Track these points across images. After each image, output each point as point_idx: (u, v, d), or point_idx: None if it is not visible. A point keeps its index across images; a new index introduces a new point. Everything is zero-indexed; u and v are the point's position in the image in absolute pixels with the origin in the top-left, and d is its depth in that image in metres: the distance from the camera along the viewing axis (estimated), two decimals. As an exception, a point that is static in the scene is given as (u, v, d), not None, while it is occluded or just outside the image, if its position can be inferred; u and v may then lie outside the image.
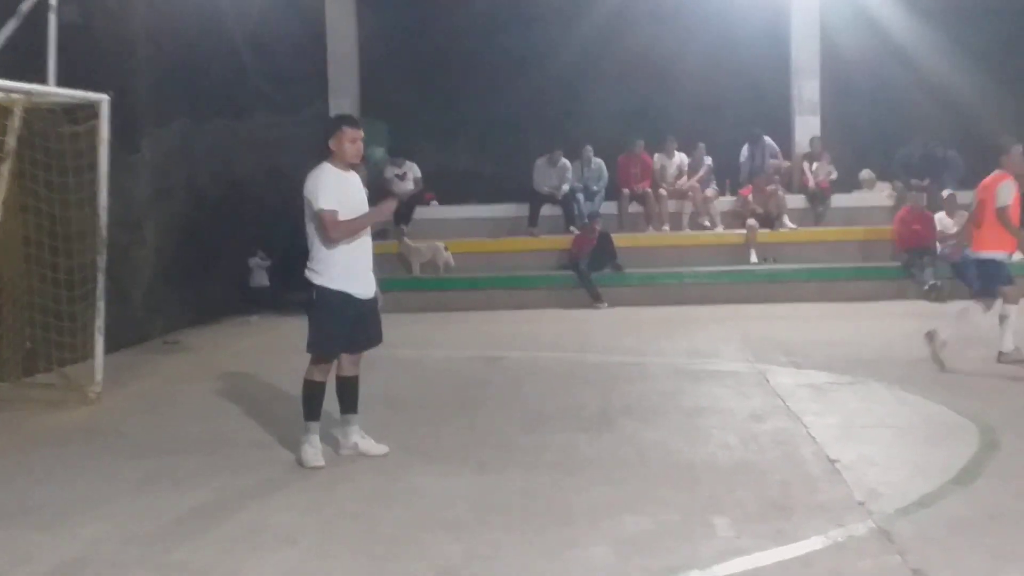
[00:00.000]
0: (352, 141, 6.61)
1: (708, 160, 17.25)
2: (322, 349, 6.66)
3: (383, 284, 15.75)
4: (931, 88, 17.43)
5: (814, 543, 4.87)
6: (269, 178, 16.73)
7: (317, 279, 6.58)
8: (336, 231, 6.46)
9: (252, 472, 6.49)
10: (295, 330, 13.75)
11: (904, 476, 6.00)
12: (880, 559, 4.63)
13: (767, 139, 17.54)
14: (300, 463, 6.61)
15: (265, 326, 14.40)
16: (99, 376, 9.07)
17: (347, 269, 6.63)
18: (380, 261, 15.96)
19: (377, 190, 6.80)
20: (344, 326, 6.64)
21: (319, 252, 6.57)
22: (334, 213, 6.46)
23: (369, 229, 6.73)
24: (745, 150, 17.56)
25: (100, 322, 9.13)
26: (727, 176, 17.61)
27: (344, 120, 6.82)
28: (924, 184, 16.26)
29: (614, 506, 5.55)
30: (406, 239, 16.21)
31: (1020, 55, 18.10)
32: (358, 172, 6.78)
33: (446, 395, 8.89)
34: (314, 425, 6.69)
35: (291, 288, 15.84)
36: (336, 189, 6.53)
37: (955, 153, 16.92)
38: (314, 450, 6.64)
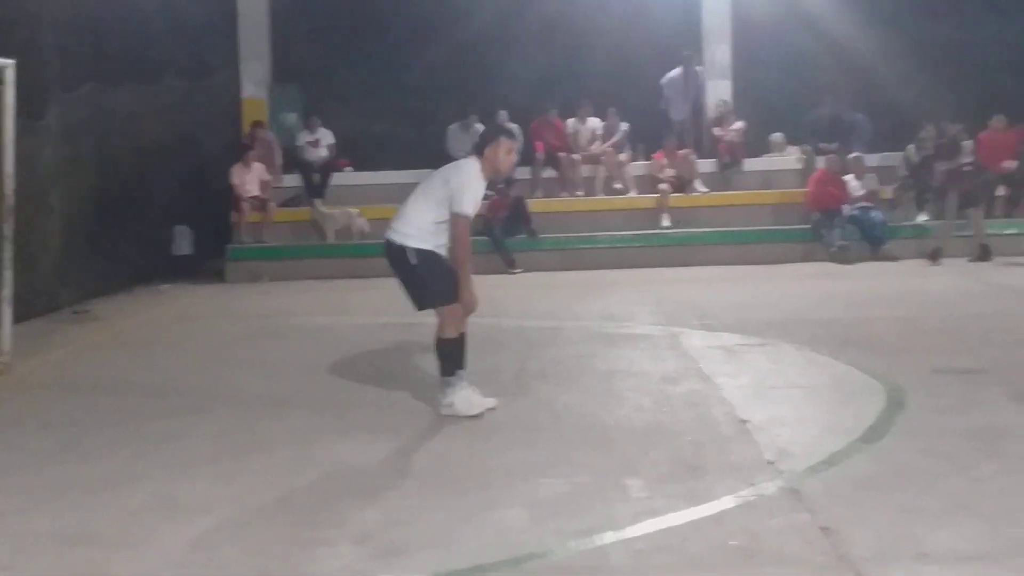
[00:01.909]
0: (508, 152, 6.74)
1: (624, 125, 17.31)
2: (453, 296, 6.63)
3: (293, 251, 15.80)
4: (840, 53, 17.67)
5: (725, 503, 4.93)
6: (180, 144, 16.51)
7: (412, 242, 6.67)
8: (464, 239, 6.58)
9: (165, 442, 6.41)
10: (206, 297, 13.77)
11: (813, 435, 6.10)
12: (790, 517, 4.71)
13: (699, 67, 17.60)
14: (461, 413, 6.63)
15: (176, 294, 14.25)
16: (7, 346, 8.89)
17: (430, 234, 6.72)
18: (294, 228, 16.06)
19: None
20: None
21: (423, 223, 6.68)
22: (470, 220, 6.57)
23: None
24: (677, 72, 17.56)
25: (7, 291, 8.93)
26: (640, 141, 17.70)
27: (505, 132, 6.95)
28: (832, 147, 16.48)
29: (529, 469, 5.58)
30: (320, 206, 16.10)
31: (926, 20, 18.42)
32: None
33: (361, 362, 8.87)
34: (462, 372, 6.74)
35: (212, 256, 15.93)
36: (479, 196, 6.66)
37: (863, 117, 17.19)
38: (474, 393, 6.73)
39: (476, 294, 6.72)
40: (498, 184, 15.99)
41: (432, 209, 6.68)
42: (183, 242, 16.76)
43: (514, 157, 6.90)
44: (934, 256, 14.43)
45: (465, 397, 6.72)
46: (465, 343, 6.86)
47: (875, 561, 4.17)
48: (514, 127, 16.65)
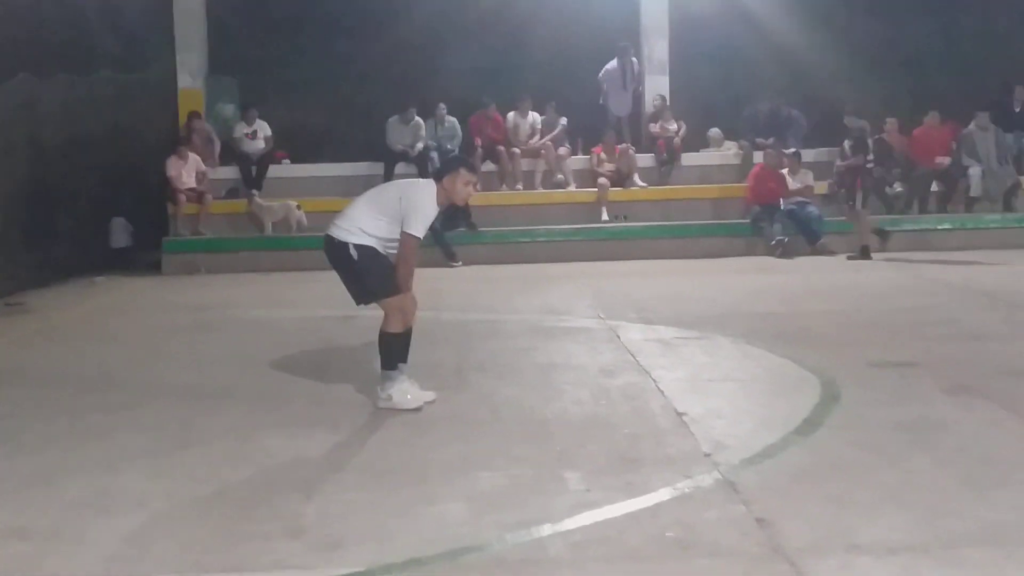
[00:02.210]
0: (466, 184, 6.80)
1: (563, 120, 17.34)
2: (396, 288, 6.66)
3: (230, 244, 15.65)
4: (776, 49, 17.83)
5: (662, 495, 4.96)
6: (115, 136, 16.32)
7: (354, 238, 6.68)
8: (408, 261, 6.66)
9: (99, 437, 6.34)
10: (142, 290, 13.62)
11: (749, 428, 6.16)
12: (726, 509, 4.75)
13: (634, 59, 17.67)
14: (399, 406, 6.64)
15: (111, 286, 14.08)
16: (-63, 339, 8.77)
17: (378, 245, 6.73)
18: (231, 220, 15.90)
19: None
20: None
21: (369, 229, 6.68)
22: (418, 241, 6.64)
23: None
24: (612, 64, 17.62)
25: (-63, 284, 8.82)
26: (580, 135, 17.74)
27: (466, 164, 7.08)
28: (769, 142, 16.62)
29: (468, 463, 5.58)
30: (257, 199, 15.98)
31: (862, 16, 18.65)
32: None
33: (298, 355, 8.81)
34: (403, 366, 6.77)
35: (149, 248, 15.79)
36: (429, 219, 6.69)
37: (799, 113, 17.38)
38: (412, 387, 6.76)
39: (410, 301, 6.80)
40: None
41: (382, 220, 6.68)
42: (121, 234, 16.59)
43: (471, 189, 6.94)
44: (864, 253, 14.62)
45: (403, 390, 6.71)
46: (409, 338, 6.86)
47: (809, 552, 4.22)
48: (451, 119, 16.79)
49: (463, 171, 6.85)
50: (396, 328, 6.73)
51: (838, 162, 15.86)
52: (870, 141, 15.63)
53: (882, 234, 14.95)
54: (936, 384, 7.04)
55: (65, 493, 5.27)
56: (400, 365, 6.77)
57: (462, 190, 6.81)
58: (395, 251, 6.71)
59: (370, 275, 6.69)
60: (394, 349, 6.74)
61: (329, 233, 6.83)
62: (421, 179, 7.21)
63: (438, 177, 6.84)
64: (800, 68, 17.76)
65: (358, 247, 6.67)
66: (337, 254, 6.77)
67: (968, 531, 4.43)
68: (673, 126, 17.26)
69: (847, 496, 4.88)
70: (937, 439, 5.83)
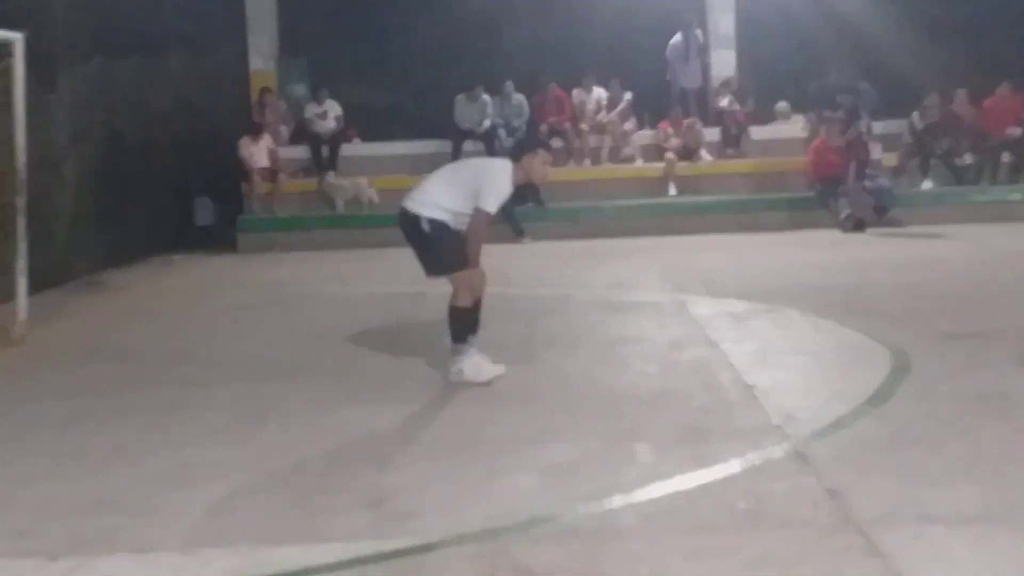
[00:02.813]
0: (544, 164, 6.90)
1: (628, 95, 17.29)
2: (466, 262, 6.76)
3: (303, 222, 15.85)
4: (844, 20, 17.59)
5: (732, 466, 4.98)
6: (188, 117, 16.53)
7: (427, 212, 6.75)
8: (477, 236, 6.73)
9: (178, 410, 6.48)
10: (218, 268, 13.83)
11: (819, 400, 6.15)
12: (796, 480, 4.77)
13: (699, 31, 17.57)
14: (471, 380, 6.73)
15: (188, 265, 14.32)
16: (22, 317, 8.96)
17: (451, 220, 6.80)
18: (304, 199, 16.08)
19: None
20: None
21: (442, 203, 6.75)
22: (490, 218, 6.72)
23: None
24: (677, 38, 17.53)
25: (22, 263, 9.01)
26: (646, 110, 17.68)
27: (544, 144, 7.29)
28: (837, 115, 16.44)
29: (538, 436, 5.63)
30: (329, 178, 16.13)
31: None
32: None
33: (371, 331, 8.91)
34: (473, 339, 6.86)
35: (225, 226, 16.06)
36: (504, 197, 6.75)
37: (867, 85, 17.15)
38: (483, 361, 6.84)
39: (480, 277, 6.87)
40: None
41: (456, 196, 6.74)
42: (205, 212, 16.90)
43: (548, 170, 7.03)
44: (859, 226, 14.59)
45: (475, 364, 6.79)
46: (479, 311, 6.93)
47: (880, 523, 4.21)
48: (519, 96, 16.81)
49: (541, 151, 6.95)
50: (465, 302, 6.79)
51: (909, 134, 15.71)
52: (863, 114, 15.44)
53: (859, 224, 14.79)
54: (1008, 355, 6.98)
55: (147, 466, 5.40)
56: (470, 338, 6.84)
57: (540, 169, 6.89)
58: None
59: (441, 248, 6.75)
60: (464, 323, 6.81)
61: (403, 206, 6.90)
62: (497, 159, 7.25)
63: (516, 156, 6.90)
64: (868, 40, 17.50)
65: (431, 221, 6.74)
66: (410, 226, 6.84)
67: (1041, 501, 4.42)
68: (736, 104, 17.12)
69: (919, 467, 4.88)
70: (1009, 409, 5.79)
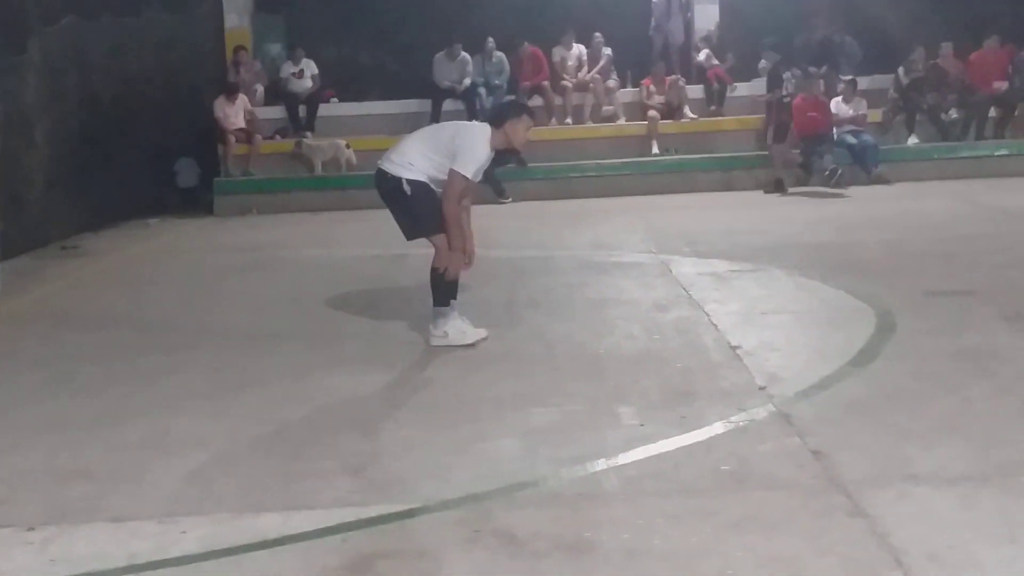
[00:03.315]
0: (527, 129, 6.84)
1: (607, 51, 17.16)
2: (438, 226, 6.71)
3: (280, 184, 15.72)
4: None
5: (716, 428, 4.96)
6: (164, 78, 16.35)
7: (407, 173, 6.67)
8: (455, 198, 6.60)
9: (157, 378, 6.42)
10: (195, 231, 13.73)
11: (803, 360, 6.13)
12: (781, 441, 4.74)
13: None
14: (454, 343, 6.68)
15: (164, 228, 14.22)
16: (-4, 283, 8.90)
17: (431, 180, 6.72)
18: (281, 160, 15.95)
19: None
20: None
21: (417, 160, 6.68)
22: (465, 181, 6.60)
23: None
24: None
25: (-6, 228, 8.93)
26: (627, 67, 17.56)
27: (531, 112, 7.11)
28: (822, 71, 16.37)
29: (522, 399, 5.60)
30: (307, 140, 16.00)
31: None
32: None
33: (351, 295, 8.86)
34: (454, 303, 6.82)
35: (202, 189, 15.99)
36: (481, 162, 6.66)
37: (852, 39, 17.05)
38: (465, 324, 6.80)
39: (469, 249, 6.84)
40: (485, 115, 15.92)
41: (435, 158, 6.66)
42: (188, 174, 16.76)
43: (530, 135, 6.99)
44: (778, 187, 14.63)
45: (457, 327, 6.74)
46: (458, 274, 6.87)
47: (866, 483, 4.20)
48: (499, 54, 16.65)
49: (526, 116, 6.90)
50: (441, 263, 6.74)
51: (894, 89, 15.65)
52: (786, 75, 15.41)
53: (779, 185, 14.80)
54: (993, 312, 6.96)
55: (126, 434, 5.35)
56: (451, 302, 6.79)
57: (522, 135, 6.83)
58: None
59: (422, 210, 6.68)
60: (446, 286, 6.76)
61: (382, 167, 6.82)
62: (477, 122, 7.18)
63: (498, 121, 6.81)
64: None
65: (411, 182, 6.66)
66: (390, 189, 6.77)
67: (1027, 460, 4.40)
68: (713, 60, 17.01)
69: (904, 426, 4.86)
70: (995, 367, 5.78)
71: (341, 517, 4.15)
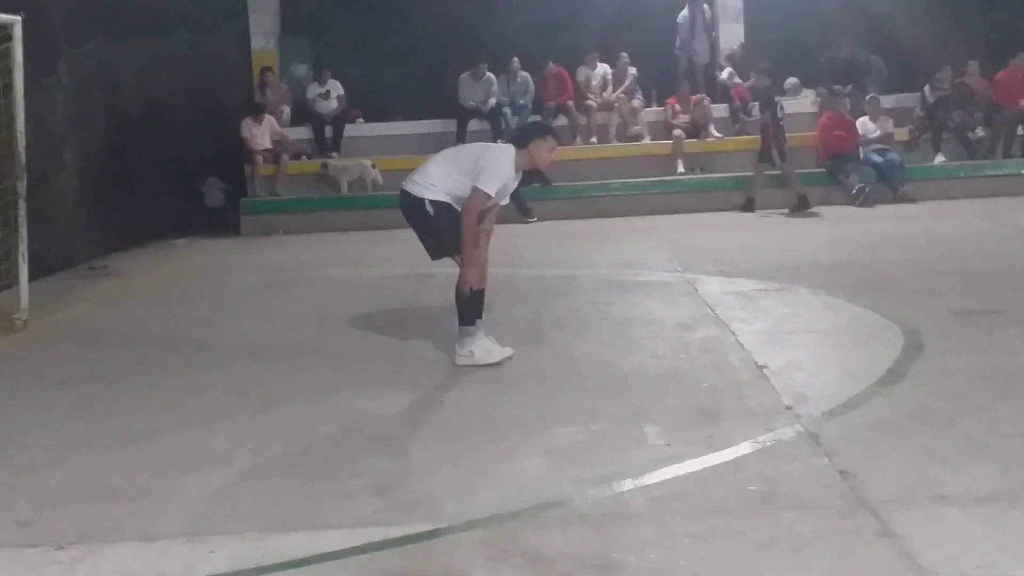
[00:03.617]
0: (551, 151, 6.85)
1: (633, 70, 17.17)
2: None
3: (307, 204, 15.79)
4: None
5: (743, 448, 4.95)
6: (191, 99, 16.45)
7: (430, 194, 6.74)
8: (473, 215, 6.59)
9: (183, 397, 6.45)
10: (222, 251, 13.78)
11: (831, 380, 6.11)
12: (808, 461, 4.72)
13: (705, 6, 17.47)
14: (480, 362, 6.69)
15: (192, 248, 14.27)
16: (25, 303, 8.93)
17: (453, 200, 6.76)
18: (307, 181, 16.00)
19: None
20: None
21: (440, 180, 6.74)
22: (487, 199, 6.60)
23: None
24: (684, 13, 17.45)
25: (23, 248, 8.97)
26: (652, 86, 17.57)
27: (555, 134, 7.11)
28: (847, 90, 16.34)
29: (547, 418, 5.59)
30: (333, 161, 16.05)
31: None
32: None
33: (377, 314, 8.88)
34: (480, 322, 6.84)
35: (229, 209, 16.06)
36: (504, 182, 6.68)
37: (877, 58, 17.03)
38: (491, 343, 6.81)
39: (481, 269, 6.80)
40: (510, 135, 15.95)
41: (458, 178, 6.69)
42: (215, 193, 16.86)
43: (555, 156, 6.99)
44: (747, 206, 14.70)
45: (483, 346, 6.74)
46: (484, 293, 6.87)
47: (894, 504, 4.18)
48: (524, 74, 16.68)
49: (550, 138, 6.91)
50: (467, 285, 6.74)
51: (920, 107, 15.63)
52: (778, 100, 15.35)
53: (802, 200, 14.73)
54: (1020, 332, 6.95)
55: (152, 453, 5.37)
56: (477, 321, 6.79)
57: (547, 156, 6.85)
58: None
59: (446, 230, 6.70)
60: (471, 305, 6.76)
61: (405, 188, 6.87)
62: (501, 144, 7.21)
63: (523, 142, 6.83)
64: (878, 12, 17.36)
65: (434, 203, 6.70)
66: (413, 209, 6.81)
67: (1056, 481, 4.37)
68: (736, 78, 16.98)
69: (932, 447, 4.83)
70: (1022, 387, 5.74)
71: (367, 537, 4.15)
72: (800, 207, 14.57)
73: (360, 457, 5.14)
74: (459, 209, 6.69)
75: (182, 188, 16.33)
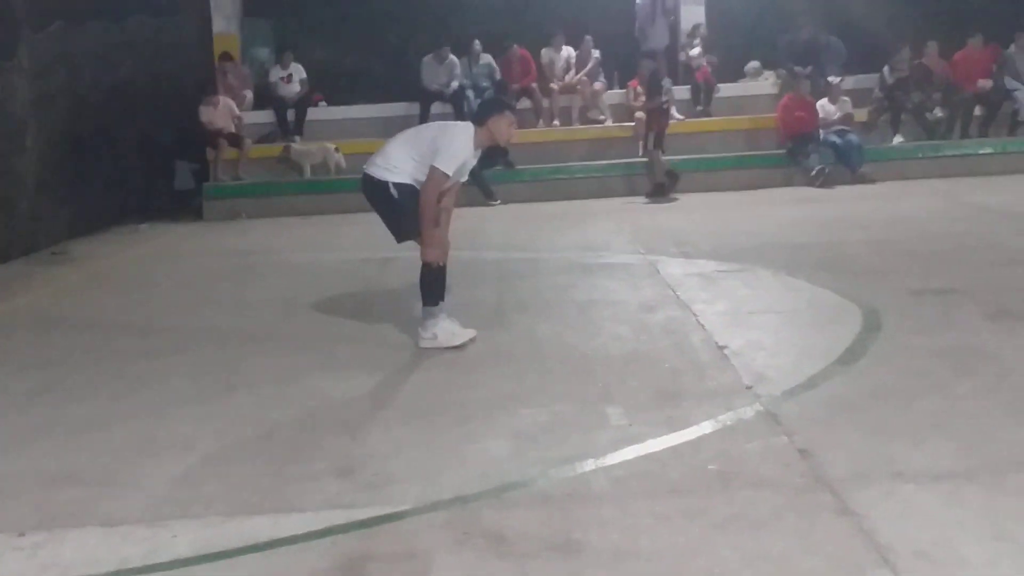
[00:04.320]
0: (509, 125, 6.81)
1: (596, 53, 17.18)
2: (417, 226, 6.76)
3: (270, 188, 15.71)
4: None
5: (704, 428, 4.99)
6: (153, 82, 16.33)
7: (393, 177, 6.74)
8: (431, 194, 6.59)
9: (146, 383, 6.43)
10: (185, 236, 13.73)
11: (790, 359, 6.16)
12: (768, 440, 4.77)
13: None
14: (443, 344, 6.71)
15: (154, 233, 14.20)
16: (-16, 288, 8.89)
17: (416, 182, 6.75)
18: (270, 164, 15.93)
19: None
20: None
21: (402, 162, 6.73)
22: (445, 178, 6.60)
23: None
24: None
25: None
26: (614, 68, 17.58)
27: (508, 105, 7.16)
28: (807, 71, 16.42)
29: (510, 400, 5.62)
30: (296, 145, 15.99)
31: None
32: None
33: (340, 298, 8.87)
34: (443, 304, 6.84)
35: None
36: (463, 161, 6.68)
37: (837, 39, 17.10)
38: (453, 325, 6.83)
39: (443, 240, 6.82)
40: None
41: (418, 160, 6.69)
42: (184, 177, 16.77)
43: (514, 130, 6.97)
44: (662, 191, 14.78)
45: (446, 328, 6.76)
46: (445, 274, 6.88)
47: (852, 482, 4.23)
48: (487, 57, 16.66)
49: (508, 113, 6.90)
50: (436, 260, 6.76)
51: (879, 88, 15.72)
52: (665, 83, 15.42)
53: (671, 176, 14.90)
54: (978, 310, 7.00)
55: (115, 438, 5.37)
56: (440, 303, 6.81)
57: (506, 131, 6.83)
58: None
59: (410, 212, 6.70)
60: (435, 285, 6.78)
61: (367, 172, 6.86)
62: (460, 122, 7.23)
63: (481, 119, 6.84)
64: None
65: (397, 185, 6.71)
66: (377, 192, 6.81)
67: (1012, 456, 4.42)
68: (711, 60, 17.01)
69: (890, 425, 4.89)
70: (980, 365, 5.81)
71: (331, 520, 4.17)
72: (658, 192, 14.71)
73: (323, 440, 5.15)
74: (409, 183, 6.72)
75: (145, 172, 16.22)
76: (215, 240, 13.22)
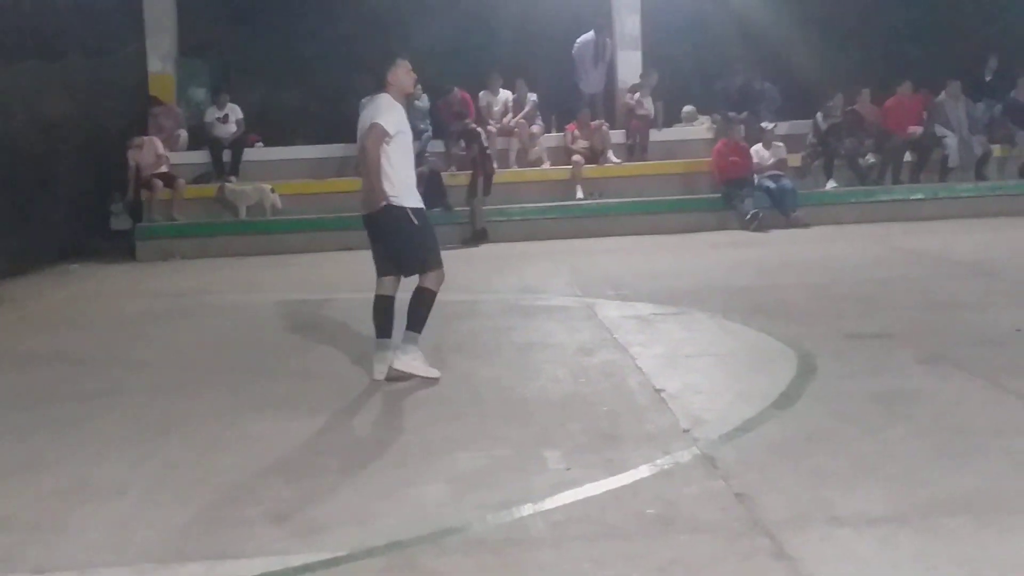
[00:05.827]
0: (408, 72, 6.92)
1: (533, 96, 17.27)
2: (438, 257, 6.92)
3: (204, 228, 15.57)
4: (748, 22, 17.79)
5: (642, 471, 4.99)
6: (87, 122, 16.18)
7: (409, 201, 6.82)
8: (374, 149, 6.65)
9: (78, 425, 6.32)
10: (118, 276, 13.56)
11: (727, 403, 6.19)
12: (705, 484, 4.78)
13: (608, 40, 17.59)
14: (420, 373, 6.80)
15: (86, 274, 14.02)
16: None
17: (412, 188, 6.93)
18: (204, 205, 15.81)
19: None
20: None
21: (390, 176, 6.75)
22: (384, 133, 6.67)
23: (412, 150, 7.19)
24: (587, 38, 17.54)
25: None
26: (552, 111, 17.69)
27: (398, 52, 7.13)
28: (742, 117, 16.62)
29: (448, 444, 5.59)
30: (231, 185, 15.88)
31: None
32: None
33: (277, 339, 8.81)
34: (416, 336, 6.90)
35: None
36: (399, 116, 6.81)
37: (771, 85, 17.36)
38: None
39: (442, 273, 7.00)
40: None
41: (388, 153, 6.74)
42: (120, 217, 16.57)
43: (413, 75, 7.10)
44: (477, 239, 15.12)
45: (420, 356, 6.83)
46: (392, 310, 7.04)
47: (789, 525, 4.24)
48: (425, 98, 16.68)
49: (399, 60, 7.00)
50: (436, 286, 6.96)
51: (813, 134, 15.92)
52: (481, 132, 15.78)
53: (479, 234, 15.28)
54: (912, 354, 7.09)
55: (46, 482, 5.26)
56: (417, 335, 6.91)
57: (406, 78, 6.99)
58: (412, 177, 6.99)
59: (429, 242, 6.91)
60: (427, 312, 6.93)
61: (388, 204, 6.78)
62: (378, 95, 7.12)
63: (381, 81, 6.94)
64: (772, 41, 17.69)
65: (415, 211, 6.84)
66: (395, 221, 6.83)
67: (945, 500, 4.47)
68: (647, 105, 17.15)
69: (825, 468, 4.92)
70: (913, 409, 5.87)
71: (266, 566, 4.11)
72: (475, 240, 15.03)
73: (258, 485, 5.09)
74: (423, 207, 6.92)
75: (78, 213, 16.02)
76: (148, 281, 13.07)
